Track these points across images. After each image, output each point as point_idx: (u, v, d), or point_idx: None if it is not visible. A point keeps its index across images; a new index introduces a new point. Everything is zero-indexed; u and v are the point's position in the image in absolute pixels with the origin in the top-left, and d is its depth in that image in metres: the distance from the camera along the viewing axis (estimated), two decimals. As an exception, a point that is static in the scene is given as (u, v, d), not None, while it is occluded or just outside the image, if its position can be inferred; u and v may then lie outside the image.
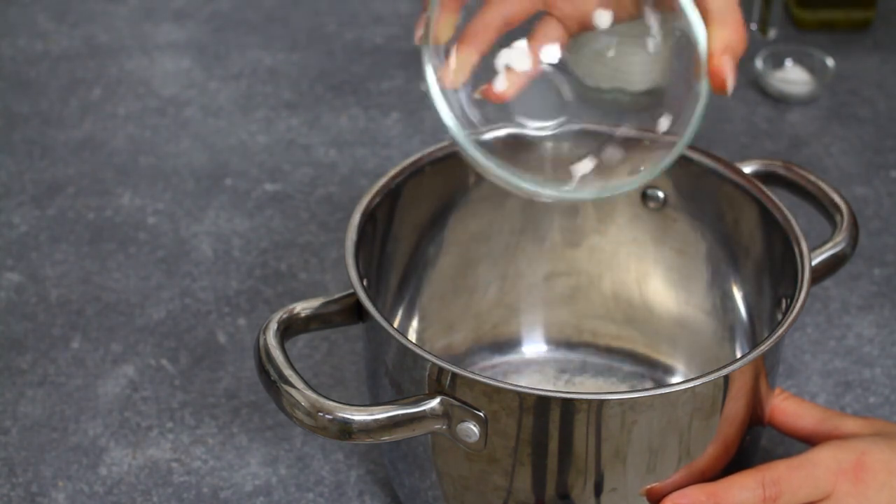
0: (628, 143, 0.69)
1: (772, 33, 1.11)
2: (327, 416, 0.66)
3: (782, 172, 0.80)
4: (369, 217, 0.75)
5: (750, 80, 1.12)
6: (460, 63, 0.67)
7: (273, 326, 0.69)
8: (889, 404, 0.85)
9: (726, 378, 0.68)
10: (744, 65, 1.13)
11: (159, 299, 0.92)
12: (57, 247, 0.96)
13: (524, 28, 0.69)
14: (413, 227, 0.80)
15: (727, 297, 0.81)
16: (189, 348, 0.88)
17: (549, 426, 0.67)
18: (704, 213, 0.80)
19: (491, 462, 0.69)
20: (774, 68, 1.12)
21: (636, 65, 0.95)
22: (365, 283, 0.72)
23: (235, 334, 0.89)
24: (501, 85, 0.67)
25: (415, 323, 0.82)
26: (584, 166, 0.68)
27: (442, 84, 0.66)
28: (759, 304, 0.78)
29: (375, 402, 0.72)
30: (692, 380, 0.67)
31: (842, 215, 0.77)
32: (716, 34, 0.64)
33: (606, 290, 0.85)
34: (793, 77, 1.11)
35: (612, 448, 0.68)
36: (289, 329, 0.70)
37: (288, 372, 0.67)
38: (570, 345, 0.86)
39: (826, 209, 0.78)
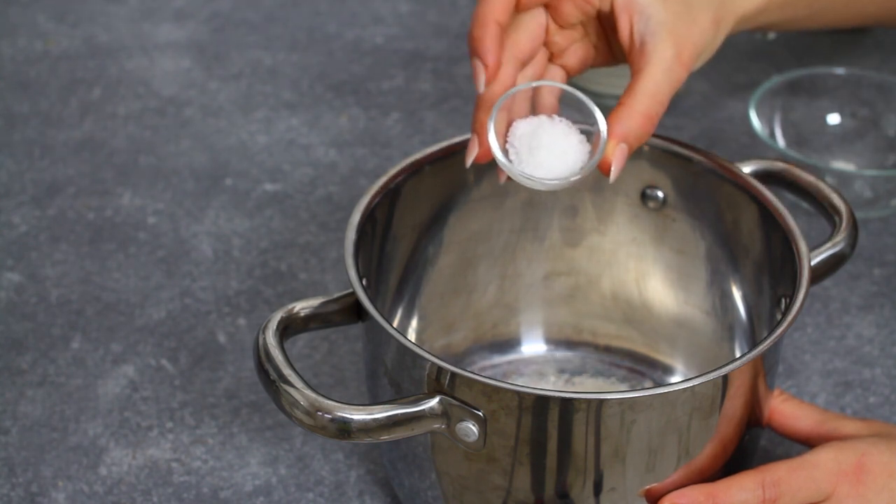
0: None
1: (771, 34, 1.11)
2: (326, 415, 0.66)
3: (782, 172, 0.80)
4: (369, 217, 0.75)
5: (750, 80, 1.12)
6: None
7: (272, 326, 0.69)
8: (889, 404, 0.85)
9: (725, 378, 0.68)
10: (744, 66, 1.14)
11: (159, 299, 0.92)
12: (57, 247, 0.96)
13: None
14: (413, 227, 0.80)
15: (726, 297, 0.81)
16: (189, 348, 0.88)
17: (549, 426, 0.67)
18: (704, 212, 0.80)
19: (490, 461, 0.69)
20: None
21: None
22: (364, 282, 0.72)
23: (235, 334, 0.89)
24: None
25: (414, 322, 0.82)
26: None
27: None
28: (758, 304, 0.78)
29: (375, 401, 0.72)
30: (691, 379, 0.67)
31: (841, 215, 0.77)
32: (618, 122, 0.71)
33: (606, 290, 0.85)
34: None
35: (611, 447, 0.68)
36: (288, 328, 0.70)
37: (287, 371, 0.67)
38: (569, 344, 0.86)
39: (825, 209, 0.78)
